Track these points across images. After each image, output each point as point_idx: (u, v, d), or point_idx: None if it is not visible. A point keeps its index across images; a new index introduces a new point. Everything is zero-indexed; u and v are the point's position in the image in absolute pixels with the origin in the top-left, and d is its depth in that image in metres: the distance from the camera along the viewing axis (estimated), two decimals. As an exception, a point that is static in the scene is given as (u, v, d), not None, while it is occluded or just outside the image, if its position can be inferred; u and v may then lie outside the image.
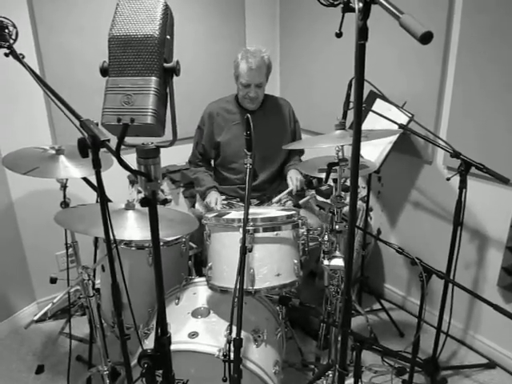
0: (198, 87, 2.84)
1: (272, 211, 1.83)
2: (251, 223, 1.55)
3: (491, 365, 2.21)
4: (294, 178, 2.34)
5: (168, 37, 0.83)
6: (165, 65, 0.83)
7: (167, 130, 0.91)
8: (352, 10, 0.89)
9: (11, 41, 1.35)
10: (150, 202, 0.93)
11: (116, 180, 2.15)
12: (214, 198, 2.30)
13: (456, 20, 2.06)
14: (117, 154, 0.84)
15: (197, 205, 2.78)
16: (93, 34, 2.38)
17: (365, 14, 0.88)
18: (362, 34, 0.90)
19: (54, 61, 2.35)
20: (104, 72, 0.84)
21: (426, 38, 0.75)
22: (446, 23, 2.08)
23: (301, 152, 2.65)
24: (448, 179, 1.87)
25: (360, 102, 0.96)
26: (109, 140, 0.97)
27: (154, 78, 0.82)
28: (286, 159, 2.56)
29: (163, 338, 1.05)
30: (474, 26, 1.99)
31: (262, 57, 2.22)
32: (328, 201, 2.68)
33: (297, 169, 2.43)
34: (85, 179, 1.90)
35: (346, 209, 1.54)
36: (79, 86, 2.40)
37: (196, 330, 1.55)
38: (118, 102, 0.81)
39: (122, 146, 0.88)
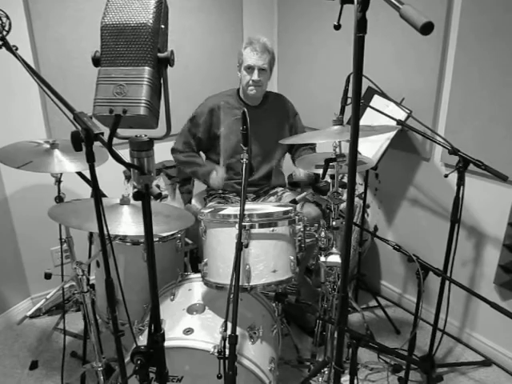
0: (195, 81, 2.82)
1: (268, 207, 1.82)
2: (247, 219, 1.54)
3: (487, 362, 2.21)
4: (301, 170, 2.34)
5: (162, 26, 0.81)
6: (159, 55, 0.81)
7: (161, 123, 0.89)
8: (351, 1, 0.88)
9: (4, 32, 1.32)
10: (143, 196, 0.91)
11: (112, 175, 2.13)
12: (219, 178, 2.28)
13: (455, 15, 2.04)
14: (109, 145, 0.82)
15: (193, 201, 2.76)
16: (90, 26, 2.34)
17: (363, 5, 0.86)
18: (361, 26, 0.88)
19: (50, 53, 2.32)
20: (96, 62, 0.81)
21: (426, 29, 0.74)
22: (444, 18, 2.06)
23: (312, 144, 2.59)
24: (446, 176, 1.86)
25: (358, 96, 0.95)
26: (102, 133, 0.95)
27: (147, 68, 0.80)
28: (292, 153, 2.55)
29: (156, 335, 1.04)
30: (473, 22, 1.97)
31: (264, 42, 2.25)
32: (325, 197, 2.68)
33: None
34: (79, 174, 1.88)
35: (343, 205, 1.53)
36: (76, 78, 2.37)
37: (191, 326, 1.54)
38: (110, 92, 0.79)
39: (117, 140, 0.86)
